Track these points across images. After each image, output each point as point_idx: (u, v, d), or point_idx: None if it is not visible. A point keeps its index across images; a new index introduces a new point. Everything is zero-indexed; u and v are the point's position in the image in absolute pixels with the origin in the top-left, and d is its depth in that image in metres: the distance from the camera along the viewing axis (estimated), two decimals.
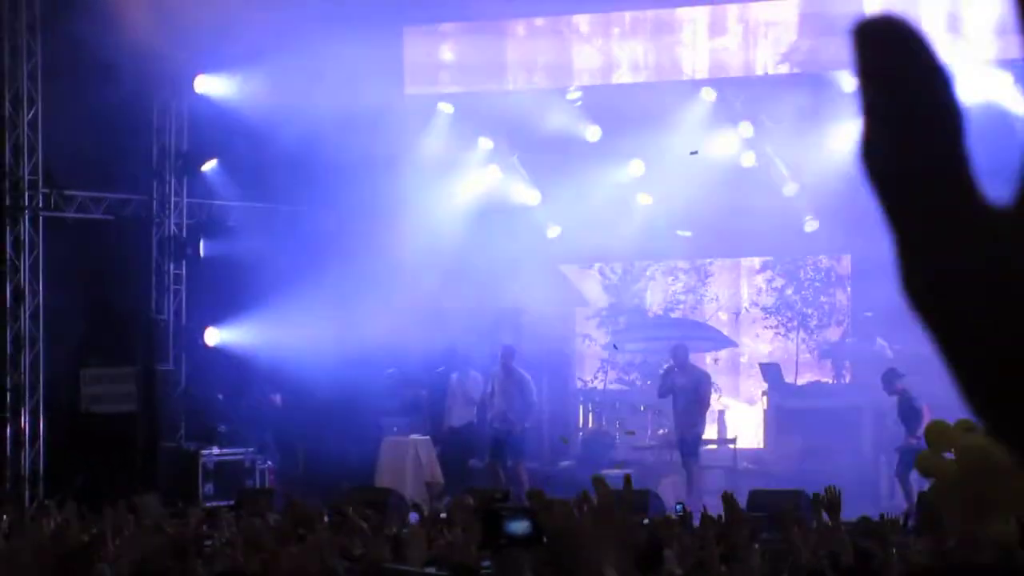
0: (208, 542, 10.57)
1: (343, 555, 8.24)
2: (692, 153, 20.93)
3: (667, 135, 21.36)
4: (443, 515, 12.46)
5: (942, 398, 19.43)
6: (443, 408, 20.90)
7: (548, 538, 3.28)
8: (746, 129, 21.84)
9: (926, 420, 15.51)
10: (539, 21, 22.49)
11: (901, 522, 10.23)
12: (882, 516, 10.51)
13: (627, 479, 6.86)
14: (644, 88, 21.81)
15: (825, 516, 9.03)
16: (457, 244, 21.31)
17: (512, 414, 19.70)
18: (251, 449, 20.32)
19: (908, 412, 18.15)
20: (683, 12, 22.11)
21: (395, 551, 8.71)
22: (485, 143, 22.70)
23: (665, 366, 20.97)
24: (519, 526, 4.07)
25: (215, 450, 20.01)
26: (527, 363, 21.55)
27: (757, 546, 8.35)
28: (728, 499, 8.74)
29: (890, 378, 18.63)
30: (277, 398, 21.18)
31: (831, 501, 8.97)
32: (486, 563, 8.07)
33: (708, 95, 21.78)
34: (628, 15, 22.20)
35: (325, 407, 20.55)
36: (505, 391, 19.80)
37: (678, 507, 11.84)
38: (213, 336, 21.48)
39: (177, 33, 18.90)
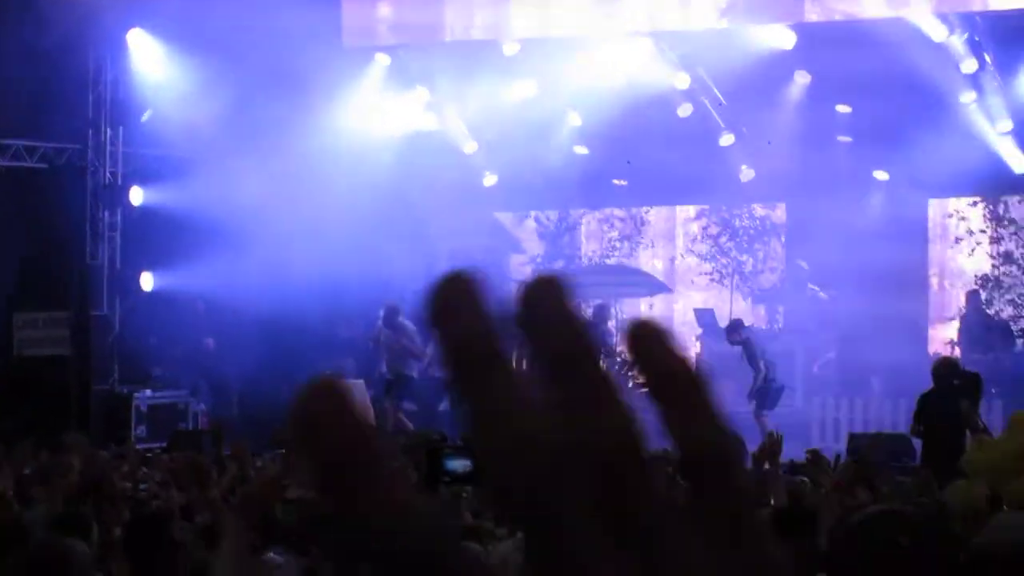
0: (143, 485, 10.66)
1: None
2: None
3: (604, 86, 21.43)
4: None
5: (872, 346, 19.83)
6: (375, 352, 20.98)
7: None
8: (683, 81, 21.94)
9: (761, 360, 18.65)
10: None
11: (832, 464, 10.37)
12: (813, 453, 10.66)
13: None
14: (581, 41, 21.84)
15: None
16: (392, 191, 21.33)
17: (397, 363, 19.93)
18: (184, 392, 20.38)
19: (751, 358, 19.38)
20: None
21: None
22: (422, 92, 22.70)
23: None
24: (460, 464, 4.18)
25: (148, 393, 20.05)
26: None
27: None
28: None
29: (735, 327, 19.88)
30: (210, 342, 21.19)
31: (772, 447, 8.96)
32: None
33: (645, 46, 21.84)
34: None
35: (259, 350, 20.58)
36: (389, 346, 20.01)
37: None
38: (148, 282, 21.45)
39: None
